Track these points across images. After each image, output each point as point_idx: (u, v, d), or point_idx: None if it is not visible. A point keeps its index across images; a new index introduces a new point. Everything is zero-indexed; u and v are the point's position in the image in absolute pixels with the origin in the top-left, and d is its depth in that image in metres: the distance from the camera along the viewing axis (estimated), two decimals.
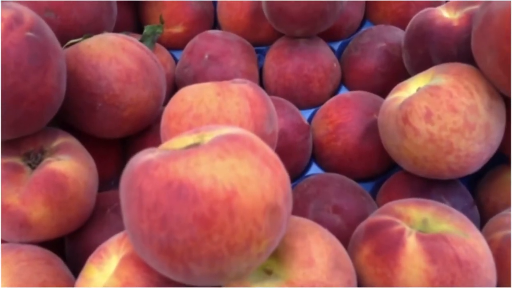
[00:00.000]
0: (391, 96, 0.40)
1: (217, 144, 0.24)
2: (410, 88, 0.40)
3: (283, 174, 0.26)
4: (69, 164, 0.34)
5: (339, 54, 0.57)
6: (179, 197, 0.22)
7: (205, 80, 0.49)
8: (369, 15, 0.59)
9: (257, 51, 0.57)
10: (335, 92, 0.54)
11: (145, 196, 0.23)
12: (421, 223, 0.32)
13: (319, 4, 0.45)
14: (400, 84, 0.41)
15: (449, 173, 0.36)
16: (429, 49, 0.42)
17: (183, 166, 0.23)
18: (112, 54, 0.36)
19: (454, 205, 0.40)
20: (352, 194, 0.40)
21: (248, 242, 0.23)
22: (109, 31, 0.47)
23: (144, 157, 0.25)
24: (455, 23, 0.41)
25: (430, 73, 0.39)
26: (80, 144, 0.37)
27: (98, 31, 0.45)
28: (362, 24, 0.59)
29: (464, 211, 0.40)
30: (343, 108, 0.46)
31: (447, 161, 0.35)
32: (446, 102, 0.34)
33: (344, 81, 0.54)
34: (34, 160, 0.33)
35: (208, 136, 0.27)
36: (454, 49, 0.40)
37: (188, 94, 0.34)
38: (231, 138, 0.25)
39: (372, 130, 0.44)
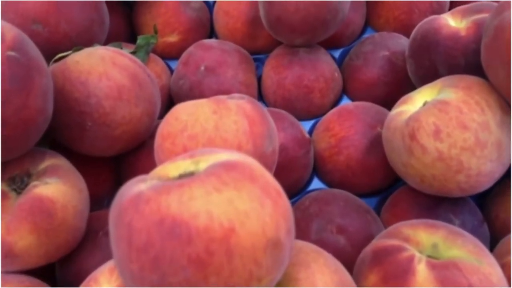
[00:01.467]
0: (396, 110, 0.38)
1: (213, 174, 0.22)
2: (416, 101, 0.38)
3: (285, 204, 0.24)
4: (57, 188, 0.32)
5: (340, 62, 0.55)
6: (172, 236, 0.20)
7: (201, 92, 0.47)
8: (370, 21, 0.57)
9: (256, 60, 0.55)
10: (336, 102, 0.52)
11: (135, 235, 0.21)
12: (431, 248, 0.30)
13: (320, 12, 0.43)
14: (405, 97, 0.39)
15: (459, 192, 0.35)
16: (435, 59, 0.40)
17: (176, 200, 0.21)
18: (102, 70, 0.34)
19: (463, 224, 0.38)
20: (356, 213, 0.38)
21: (248, 282, 0.21)
22: (100, 42, 0.46)
23: (134, 188, 0.23)
24: (463, 33, 0.39)
25: (437, 86, 0.37)
26: (70, 164, 0.35)
27: (89, 42, 0.44)
28: (363, 31, 0.58)
29: (474, 229, 0.38)
30: (346, 121, 0.44)
31: (457, 180, 0.33)
32: (455, 119, 0.32)
33: (346, 91, 0.52)
34: (20, 184, 0.31)
35: (204, 161, 0.25)
36: (462, 59, 0.39)
37: (182, 112, 0.32)
38: (229, 166, 0.23)
39: (376, 144, 0.42)
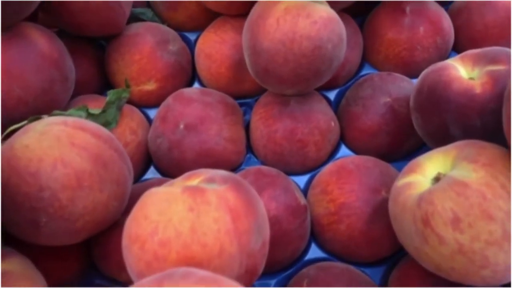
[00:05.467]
0: (404, 180, 0.33)
1: None
2: (427, 171, 0.33)
3: None
4: None
5: (336, 103, 0.50)
6: None
7: (181, 153, 0.42)
8: (368, 57, 0.52)
9: (243, 104, 0.50)
10: (333, 152, 0.47)
11: None
12: None
13: (312, 64, 0.38)
14: (413, 163, 0.34)
15: (483, 284, 0.29)
16: (446, 117, 0.35)
17: None
18: (57, 155, 0.29)
19: None
20: None
21: None
22: (63, 101, 0.40)
23: None
24: (478, 89, 0.34)
25: (452, 154, 0.32)
26: (26, 263, 0.30)
27: (49, 105, 0.38)
28: (360, 67, 0.52)
29: None
30: (345, 184, 0.39)
31: (481, 275, 0.28)
32: (478, 206, 0.27)
33: (344, 138, 0.47)
34: None
35: None
36: (477, 120, 0.34)
37: (152, 209, 0.27)
38: None
39: (381, 212, 0.37)
